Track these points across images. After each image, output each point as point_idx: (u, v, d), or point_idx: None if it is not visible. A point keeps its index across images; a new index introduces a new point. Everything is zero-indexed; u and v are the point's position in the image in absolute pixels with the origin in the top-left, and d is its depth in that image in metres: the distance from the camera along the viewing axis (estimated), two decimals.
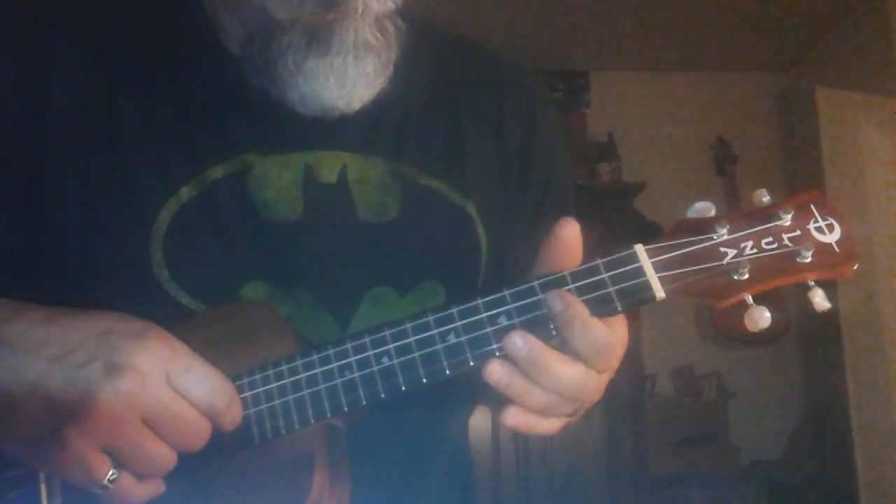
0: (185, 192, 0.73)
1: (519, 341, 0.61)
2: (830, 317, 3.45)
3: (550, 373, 0.61)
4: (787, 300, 3.60)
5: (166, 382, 0.59)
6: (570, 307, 0.62)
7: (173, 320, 0.64)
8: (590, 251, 0.66)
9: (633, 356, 3.45)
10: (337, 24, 0.68)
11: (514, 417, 0.64)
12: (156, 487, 0.62)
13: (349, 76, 0.70)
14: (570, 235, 0.64)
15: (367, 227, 0.77)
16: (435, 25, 0.90)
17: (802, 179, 3.85)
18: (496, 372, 0.62)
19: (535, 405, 0.63)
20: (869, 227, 3.28)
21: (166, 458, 0.60)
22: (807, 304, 0.63)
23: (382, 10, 0.69)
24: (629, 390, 3.43)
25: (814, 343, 3.82)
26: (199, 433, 0.61)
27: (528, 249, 0.82)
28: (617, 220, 3.50)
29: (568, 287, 0.64)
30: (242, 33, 0.73)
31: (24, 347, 0.58)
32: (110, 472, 0.58)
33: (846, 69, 3.54)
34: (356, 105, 0.72)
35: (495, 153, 0.85)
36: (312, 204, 0.75)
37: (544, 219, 0.86)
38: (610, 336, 0.63)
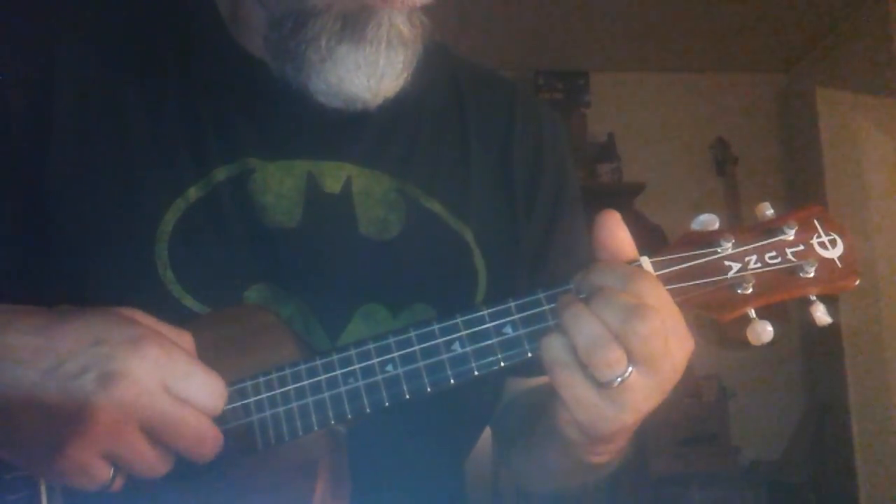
0: (192, 193, 0.72)
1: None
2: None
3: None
4: (788, 303, 3.60)
5: (164, 389, 0.58)
6: (573, 303, 0.60)
7: (177, 323, 0.63)
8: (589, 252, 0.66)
9: None
10: (373, 11, 0.67)
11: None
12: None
13: (379, 66, 0.69)
14: (612, 227, 0.64)
15: (366, 241, 0.76)
16: (451, 49, 0.90)
17: (802, 180, 3.86)
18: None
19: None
20: (869, 228, 3.28)
21: (160, 462, 0.59)
22: (807, 318, 0.63)
23: (420, 0, 0.68)
24: None
25: (814, 344, 3.82)
26: (204, 437, 0.59)
27: (533, 279, 0.81)
28: None
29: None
30: (265, 25, 0.72)
31: (15, 359, 0.57)
32: (111, 476, 0.58)
33: (846, 70, 3.55)
34: (380, 99, 0.72)
35: (501, 182, 0.84)
36: (312, 213, 0.75)
37: (551, 249, 0.85)
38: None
